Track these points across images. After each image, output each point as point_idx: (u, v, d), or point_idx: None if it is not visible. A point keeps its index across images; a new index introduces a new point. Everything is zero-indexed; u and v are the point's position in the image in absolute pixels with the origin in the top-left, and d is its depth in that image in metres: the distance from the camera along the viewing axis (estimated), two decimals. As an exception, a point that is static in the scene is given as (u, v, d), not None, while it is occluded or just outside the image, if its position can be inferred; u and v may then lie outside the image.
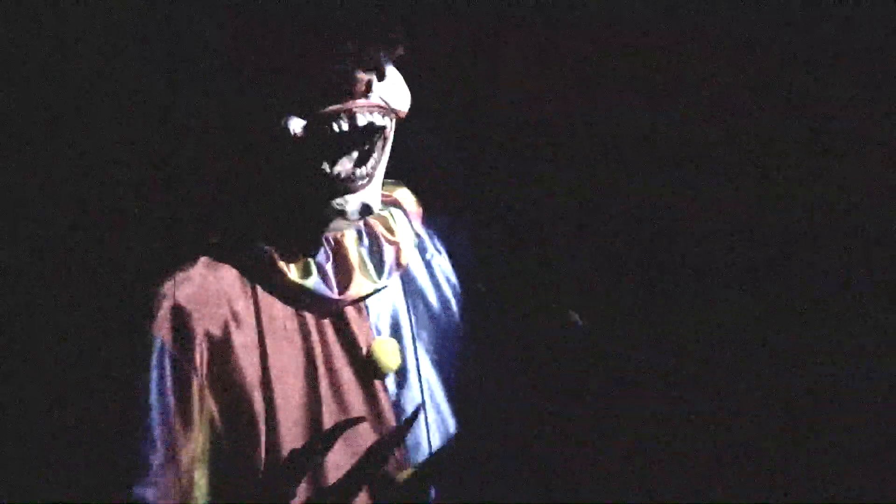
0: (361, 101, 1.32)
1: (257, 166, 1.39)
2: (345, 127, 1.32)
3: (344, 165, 1.35)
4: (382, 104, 1.35)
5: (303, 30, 1.32)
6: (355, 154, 1.36)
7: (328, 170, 1.35)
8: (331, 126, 1.32)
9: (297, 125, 1.32)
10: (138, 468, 1.30)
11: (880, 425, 1.59)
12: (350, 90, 1.31)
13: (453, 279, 1.54)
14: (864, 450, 1.59)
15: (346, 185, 1.35)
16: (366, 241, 1.45)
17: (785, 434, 1.60)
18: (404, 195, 1.53)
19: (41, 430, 1.56)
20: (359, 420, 1.35)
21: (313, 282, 1.39)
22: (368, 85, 1.32)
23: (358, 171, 1.36)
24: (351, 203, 1.36)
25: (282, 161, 1.35)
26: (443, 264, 1.54)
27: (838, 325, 1.64)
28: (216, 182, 1.45)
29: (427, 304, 1.50)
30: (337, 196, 1.36)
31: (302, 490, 1.34)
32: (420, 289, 1.50)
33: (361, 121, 1.33)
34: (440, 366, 1.47)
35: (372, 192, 1.38)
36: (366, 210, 1.38)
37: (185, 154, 1.52)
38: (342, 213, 1.37)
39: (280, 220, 1.40)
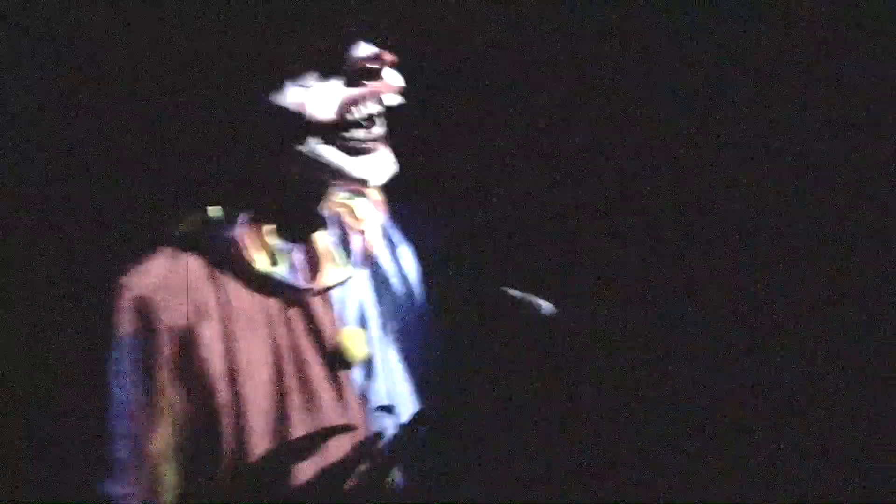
0: (380, 83, 1.34)
1: (252, 149, 1.36)
2: (374, 110, 1.33)
3: (356, 133, 1.34)
4: (395, 86, 1.36)
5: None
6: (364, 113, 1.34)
7: (345, 136, 1.33)
8: (360, 109, 1.32)
9: (318, 108, 1.31)
10: (104, 463, 1.28)
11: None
12: (373, 73, 1.32)
13: (417, 269, 1.53)
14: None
15: (364, 145, 1.34)
16: (333, 229, 1.43)
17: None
18: None
19: (4, 426, 1.53)
20: (332, 430, 1.35)
21: (281, 271, 1.37)
22: (382, 63, 1.33)
23: (374, 130, 1.34)
24: (371, 163, 1.35)
25: (292, 140, 1.33)
26: (407, 254, 1.53)
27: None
28: (184, 168, 1.42)
29: (392, 294, 1.49)
30: (350, 155, 1.34)
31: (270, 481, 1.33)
32: (386, 278, 1.49)
33: (389, 101, 1.35)
34: (405, 356, 1.47)
35: (387, 155, 1.37)
36: (384, 172, 1.36)
37: (155, 140, 1.48)
38: (362, 181, 1.35)
39: (255, 205, 1.38)
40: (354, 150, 1.34)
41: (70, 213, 1.58)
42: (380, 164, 1.36)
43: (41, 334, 1.52)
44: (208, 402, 1.32)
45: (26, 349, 1.54)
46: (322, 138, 1.33)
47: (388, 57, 1.34)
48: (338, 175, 1.35)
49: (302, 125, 1.31)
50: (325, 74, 1.32)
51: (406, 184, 1.56)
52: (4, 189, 1.58)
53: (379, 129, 1.36)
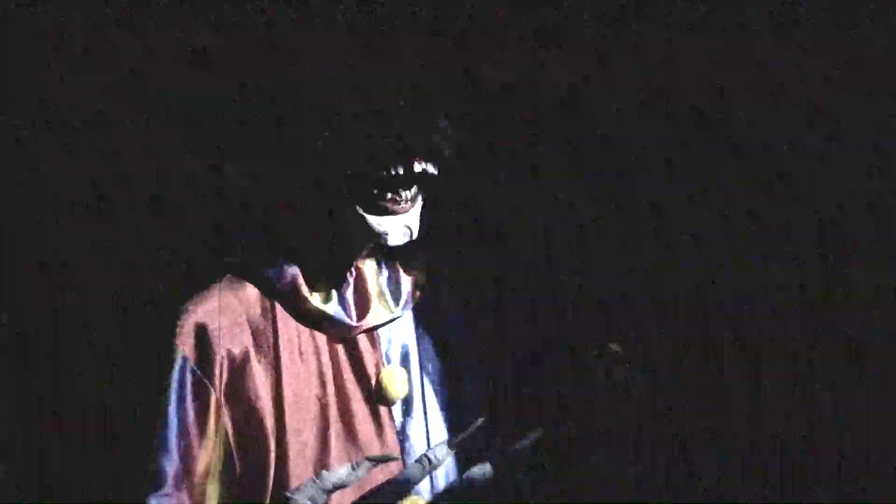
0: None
1: (301, 190, 1.43)
2: (401, 171, 1.38)
3: (390, 186, 1.39)
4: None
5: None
6: (399, 176, 1.40)
7: (376, 192, 1.39)
8: (389, 170, 1.37)
9: (355, 160, 1.38)
10: (154, 478, 1.34)
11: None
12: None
13: (460, 313, 1.58)
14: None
15: (391, 207, 1.39)
16: (385, 270, 1.49)
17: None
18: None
19: (63, 436, 1.58)
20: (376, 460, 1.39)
21: (333, 308, 1.43)
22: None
23: (404, 194, 1.40)
24: (394, 225, 1.40)
25: (332, 185, 1.40)
26: (452, 298, 1.59)
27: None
28: (247, 203, 1.49)
29: (435, 336, 1.54)
30: (378, 215, 1.39)
31: None
32: (429, 320, 1.54)
33: (417, 167, 1.38)
34: (442, 398, 1.51)
35: (414, 217, 1.42)
36: (407, 232, 1.42)
37: (220, 174, 1.56)
38: (384, 235, 1.40)
39: (309, 244, 1.44)
40: (382, 210, 1.39)
41: (137, 239, 1.65)
42: (401, 226, 1.41)
43: (104, 351, 1.58)
44: (255, 428, 1.38)
45: (90, 365, 1.60)
46: (355, 193, 1.39)
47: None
48: (360, 228, 1.40)
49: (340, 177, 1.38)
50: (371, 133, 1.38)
51: (454, 233, 1.62)
52: (74, 213, 1.65)
53: (410, 193, 1.41)
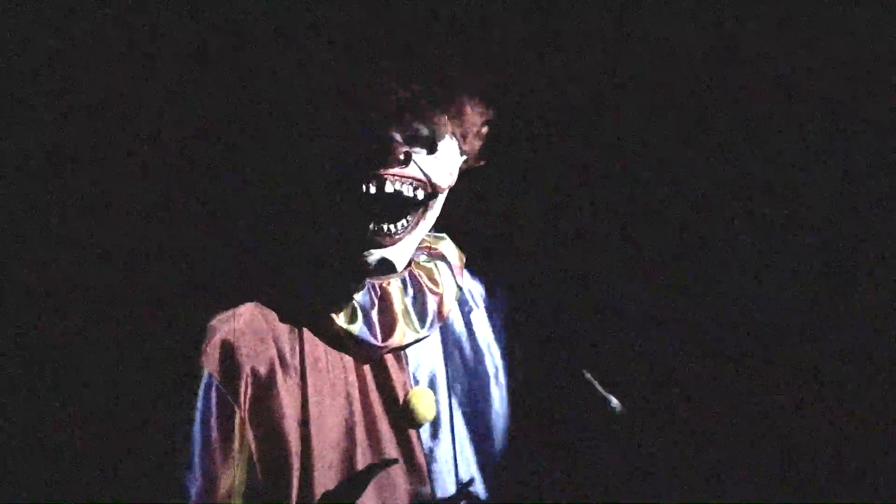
0: (394, 170, 1.37)
1: (303, 216, 1.44)
2: (372, 190, 1.37)
3: (378, 221, 1.40)
4: (420, 177, 1.39)
5: (351, 90, 1.38)
6: (388, 212, 1.40)
7: (362, 222, 1.39)
8: (362, 187, 1.37)
9: (334, 180, 1.38)
10: (178, 495, 1.34)
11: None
12: (385, 158, 1.37)
13: (489, 335, 1.57)
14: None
15: (375, 239, 1.40)
16: (410, 290, 1.49)
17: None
18: (449, 248, 1.57)
19: (88, 452, 1.59)
20: (391, 462, 1.38)
21: (358, 328, 1.42)
22: (407, 156, 1.37)
23: (386, 227, 1.40)
24: (374, 256, 1.40)
25: (324, 211, 1.41)
26: (480, 319, 1.58)
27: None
28: (269, 226, 1.50)
29: (463, 357, 1.53)
30: (365, 248, 1.40)
31: None
32: (458, 341, 1.53)
33: (388, 188, 1.38)
34: (470, 420, 1.50)
35: (397, 251, 1.42)
36: (383, 266, 1.41)
37: (241, 197, 1.58)
38: (365, 265, 1.40)
39: (326, 266, 1.44)
40: (369, 242, 1.40)
41: (163, 258, 1.67)
42: (382, 257, 1.40)
43: (131, 368, 1.59)
44: (280, 448, 1.37)
45: (115, 382, 1.61)
46: (346, 218, 1.39)
47: (404, 147, 1.37)
48: (353, 258, 1.40)
49: (317, 188, 1.39)
50: (349, 148, 1.38)
51: (484, 253, 1.61)
52: (100, 232, 1.67)
53: (403, 223, 1.41)
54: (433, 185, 1.41)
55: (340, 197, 1.38)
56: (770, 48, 1.72)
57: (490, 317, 1.58)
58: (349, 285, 1.44)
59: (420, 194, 1.40)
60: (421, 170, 1.39)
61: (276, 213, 1.51)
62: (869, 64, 1.70)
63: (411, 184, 1.39)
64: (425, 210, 1.43)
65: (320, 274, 1.44)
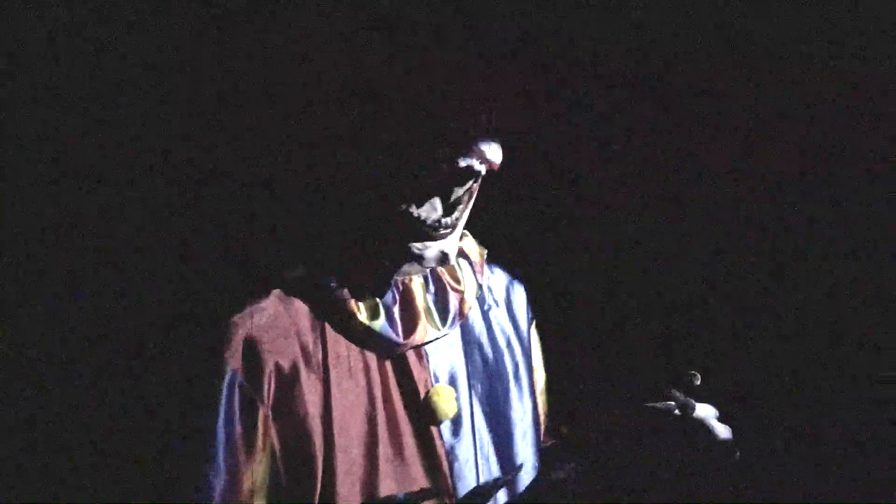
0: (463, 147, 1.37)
1: (343, 205, 1.43)
2: (445, 168, 1.37)
3: (430, 213, 1.40)
4: (482, 151, 1.39)
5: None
6: (440, 203, 1.40)
7: (415, 213, 1.39)
8: (432, 168, 1.37)
9: (396, 166, 1.38)
10: (201, 492, 1.33)
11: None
12: (453, 139, 1.37)
13: (509, 332, 1.57)
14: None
15: (430, 232, 1.40)
16: (432, 288, 1.49)
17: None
18: (470, 245, 1.57)
19: (111, 449, 1.60)
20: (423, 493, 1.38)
21: (380, 324, 1.42)
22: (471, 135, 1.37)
23: (444, 220, 1.40)
24: (431, 249, 1.41)
25: (371, 200, 1.40)
26: (500, 317, 1.58)
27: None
28: (295, 217, 1.49)
29: (483, 355, 1.53)
30: (418, 241, 1.40)
31: None
32: (478, 339, 1.54)
33: (463, 163, 1.37)
34: (490, 417, 1.50)
35: (452, 242, 1.42)
36: (443, 259, 1.42)
37: (265, 189, 1.57)
38: (419, 258, 1.41)
39: (353, 260, 1.44)
40: (424, 235, 1.40)
41: (186, 253, 1.67)
42: (437, 251, 1.41)
43: (153, 364, 1.59)
44: (302, 444, 1.37)
45: (138, 378, 1.62)
46: (396, 216, 1.39)
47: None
48: (400, 252, 1.40)
49: (372, 176, 1.37)
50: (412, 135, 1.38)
51: (507, 251, 1.61)
52: (123, 224, 1.67)
53: (450, 219, 1.41)
54: (489, 161, 1.40)
55: (401, 186, 1.38)
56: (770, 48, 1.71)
57: (510, 315, 1.58)
58: (372, 281, 1.44)
59: (483, 170, 1.40)
60: (479, 146, 1.39)
61: (331, 205, 1.48)
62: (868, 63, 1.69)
63: (478, 158, 1.38)
64: (470, 197, 1.43)
65: (344, 269, 1.43)
